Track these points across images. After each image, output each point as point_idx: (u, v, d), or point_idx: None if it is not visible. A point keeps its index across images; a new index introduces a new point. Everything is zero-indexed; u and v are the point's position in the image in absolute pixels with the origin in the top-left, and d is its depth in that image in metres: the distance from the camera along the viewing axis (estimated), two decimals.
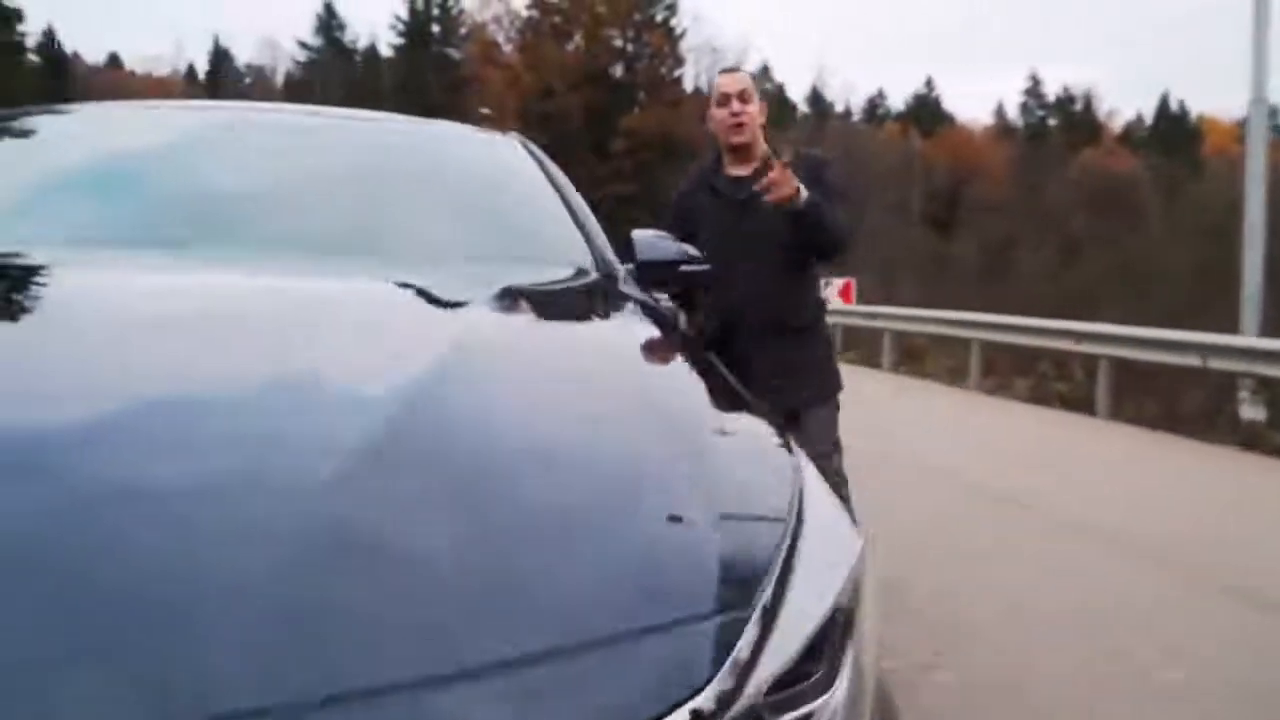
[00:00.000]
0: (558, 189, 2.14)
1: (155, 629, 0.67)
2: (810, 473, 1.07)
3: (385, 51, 59.97)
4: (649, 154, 44.83)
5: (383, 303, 1.41)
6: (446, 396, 1.03)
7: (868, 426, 5.69)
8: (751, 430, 1.20)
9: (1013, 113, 72.81)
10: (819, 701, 0.78)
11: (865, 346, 13.52)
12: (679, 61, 48.60)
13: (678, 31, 48.96)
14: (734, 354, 2.41)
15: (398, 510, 0.84)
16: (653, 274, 1.96)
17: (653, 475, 0.99)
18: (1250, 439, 6.93)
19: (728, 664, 0.74)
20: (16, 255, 1.47)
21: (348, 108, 3.01)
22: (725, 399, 1.28)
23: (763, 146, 2.60)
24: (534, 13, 47.33)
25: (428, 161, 2.18)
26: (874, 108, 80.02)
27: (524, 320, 1.44)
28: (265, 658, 0.67)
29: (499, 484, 0.92)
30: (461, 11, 53.58)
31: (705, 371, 1.39)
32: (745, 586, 0.82)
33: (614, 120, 44.92)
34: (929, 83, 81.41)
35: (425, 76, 51.28)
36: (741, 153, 2.63)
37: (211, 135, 2.13)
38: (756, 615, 0.79)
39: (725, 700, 0.72)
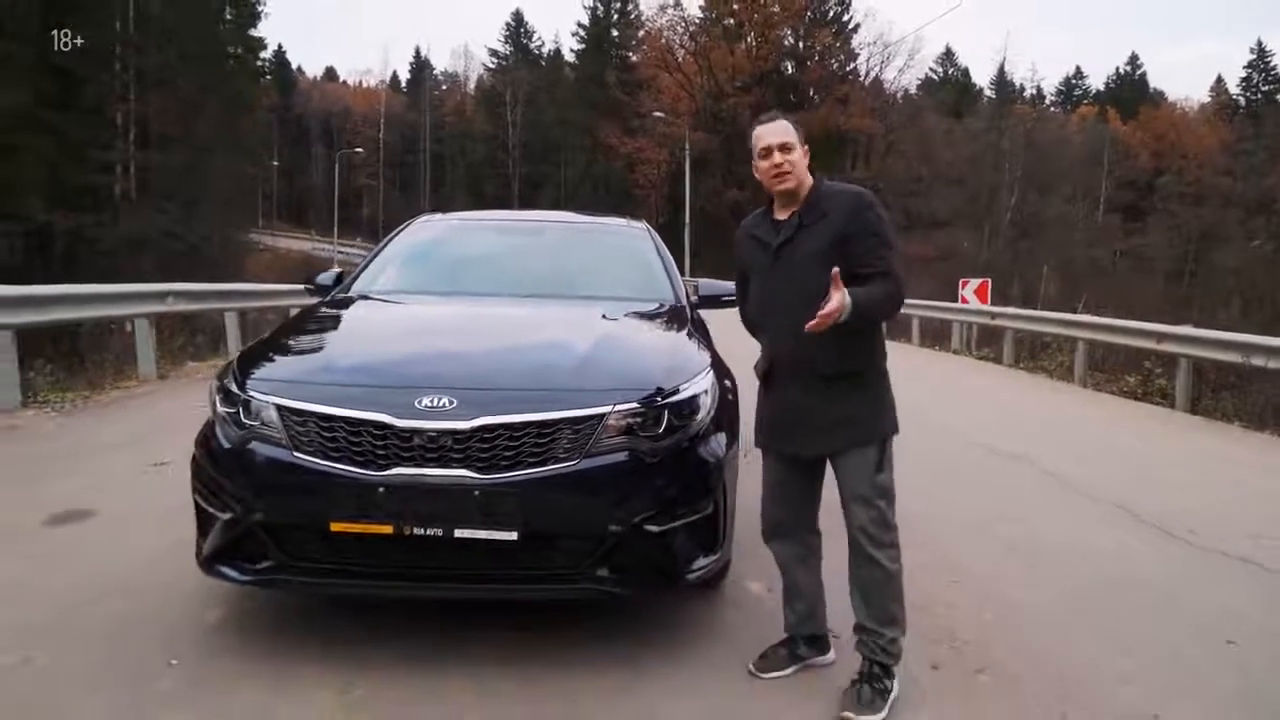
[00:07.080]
0: (660, 257, 4.38)
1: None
2: (711, 373, 3.02)
3: (568, 57, 63.63)
4: (817, 150, 45.06)
5: (567, 316, 3.56)
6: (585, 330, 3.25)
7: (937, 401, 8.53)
8: (694, 352, 3.17)
9: (1234, 88, 67.31)
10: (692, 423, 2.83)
11: (993, 344, 14.18)
12: (851, 57, 48.62)
13: (850, 27, 49.09)
14: (773, 396, 2.74)
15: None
16: (705, 302, 4.06)
17: (643, 348, 3.25)
18: None
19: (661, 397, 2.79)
20: (392, 293, 3.96)
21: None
22: (690, 342, 3.29)
23: (808, 186, 2.67)
24: (708, 14, 48.74)
25: (598, 245, 4.74)
26: (1070, 89, 75.82)
27: (630, 322, 3.55)
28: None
29: (590, 334, 3.14)
30: (639, 16, 55.91)
31: (688, 336, 3.38)
32: (670, 381, 2.84)
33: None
34: (1133, 59, 75.66)
35: (604, 79, 53.83)
36: (789, 197, 2.67)
37: (496, 236, 4.71)
38: (669, 391, 2.80)
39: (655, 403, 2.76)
